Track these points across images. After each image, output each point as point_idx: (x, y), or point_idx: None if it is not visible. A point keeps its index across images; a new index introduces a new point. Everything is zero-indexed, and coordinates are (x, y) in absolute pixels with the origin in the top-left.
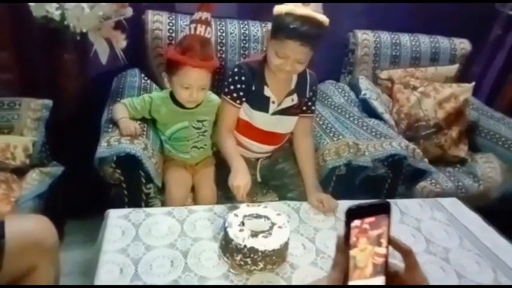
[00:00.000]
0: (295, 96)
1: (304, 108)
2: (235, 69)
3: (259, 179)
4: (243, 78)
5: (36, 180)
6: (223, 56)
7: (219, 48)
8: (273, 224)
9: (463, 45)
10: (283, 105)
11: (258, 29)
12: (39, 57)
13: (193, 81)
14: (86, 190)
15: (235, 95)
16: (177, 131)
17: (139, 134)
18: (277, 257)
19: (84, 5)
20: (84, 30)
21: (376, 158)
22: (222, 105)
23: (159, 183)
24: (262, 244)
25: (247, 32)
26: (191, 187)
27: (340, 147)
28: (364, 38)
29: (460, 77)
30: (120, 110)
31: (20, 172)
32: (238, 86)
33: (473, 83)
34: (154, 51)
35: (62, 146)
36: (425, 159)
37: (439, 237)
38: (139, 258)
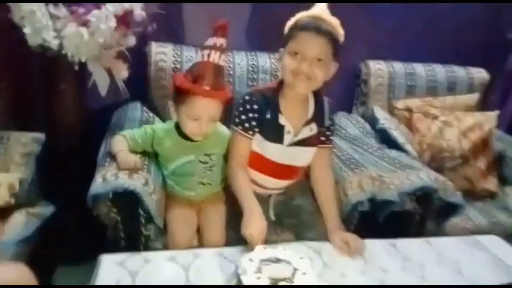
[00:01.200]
0: (313, 126)
1: (323, 138)
2: (247, 97)
3: (272, 217)
4: (255, 106)
5: (21, 223)
6: (231, 87)
7: (226, 79)
8: (295, 270)
9: (480, 74)
10: (301, 136)
11: (267, 60)
12: (34, 87)
13: (204, 112)
14: (79, 232)
15: (247, 125)
16: (181, 165)
17: (139, 168)
18: None
19: (84, 31)
20: (83, 60)
21: (403, 192)
22: (232, 137)
23: (161, 223)
24: None
25: (255, 63)
26: (197, 227)
27: (363, 179)
28: (378, 68)
29: (481, 107)
30: (119, 143)
31: (3, 213)
32: (251, 115)
33: (498, 112)
34: (157, 83)
35: (55, 184)
36: (458, 192)
37: (485, 280)
38: None
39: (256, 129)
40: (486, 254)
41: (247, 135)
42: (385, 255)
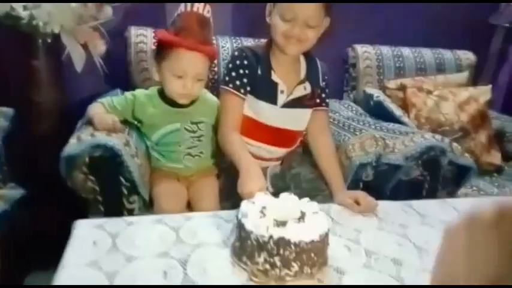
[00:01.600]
0: (307, 85)
1: (318, 100)
2: (236, 53)
3: (270, 190)
4: (245, 62)
5: None
6: (216, 69)
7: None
8: (303, 213)
9: (466, 55)
10: (295, 95)
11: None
12: (3, 63)
13: (188, 68)
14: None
15: (238, 82)
16: (166, 134)
17: (119, 129)
18: (317, 255)
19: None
20: (56, 31)
21: (409, 156)
22: (223, 99)
23: (146, 195)
24: (295, 233)
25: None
26: (187, 203)
27: (365, 141)
28: (365, 51)
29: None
30: (96, 108)
31: None
32: (241, 71)
33: (490, 85)
34: (138, 66)
35: (26, 165)
36: (466, 154)
37: None
38: (115, 272)
39: (248, 88)
40: None
41: (239, 94)
42: (401, 213)
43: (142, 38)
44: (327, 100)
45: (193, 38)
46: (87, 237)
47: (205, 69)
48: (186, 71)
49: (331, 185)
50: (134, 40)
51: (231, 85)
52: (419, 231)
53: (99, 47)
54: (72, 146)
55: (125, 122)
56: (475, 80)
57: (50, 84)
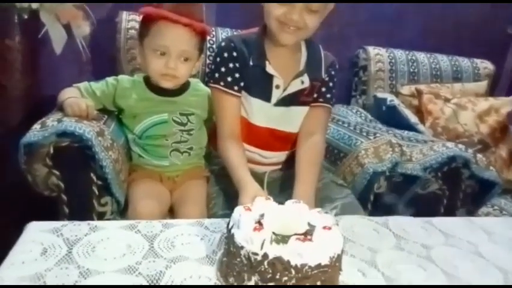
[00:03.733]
0: (305, 78)
1: (316, 95)
2: (223, 44)
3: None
4: (234, 53)
5: None
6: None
7: (208, 54)
8: (312, 226)
9: (485, 64)
10: (290, 90)
11: None
12: None
13: (171, 43)
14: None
15: (229, 79)
16: (151, 126)
17: (93, 118)
18: (325, 283)
19: None
20: (35, 7)
21: (428, 166)
22: (215, 99)
23: (121, 196)
24: (298, 253)
25: None
26: (169, 207)
27: (380, 146)
28: (377, 53)
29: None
30: (70, 92)
31: None
32: (231, 65)
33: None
34: (128, 54)
35: None
36: (492, 168)
37: None
38: None
39: (242, 83)
40: None
41: (233, 91)
42: (421, 231)
43: (134, 24)
44: (328, 96)
45: (177, 11)
46: (37, 243)
47: (191, 47)
48: (169, 47)
49: (297, 188)
50: (125, 25)
51: (222, 83)
52: (445, 253)
53: (83, 27)
54: (34, 132)
55: (103, 111)
56: (492, 90)
57: (21, 67)
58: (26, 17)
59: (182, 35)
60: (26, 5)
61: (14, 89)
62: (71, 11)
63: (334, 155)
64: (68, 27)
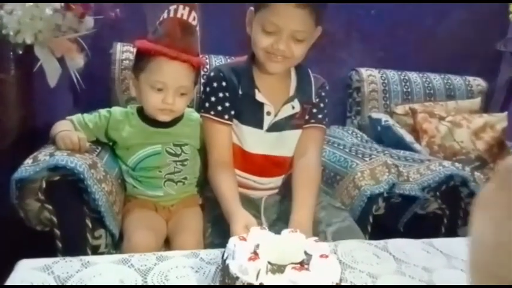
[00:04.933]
0: (296, 103)
1: (308, 117)
2: (212, 74)
3: (264, 224)
4: (223, 83)
5: None
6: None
7: (202, 81)
8: (308, 255)
9: (477, 82)
10: (281, 115)
11: None
12: None
13: (169, 79)
14: None
15: (219, 108)
16: (145, 158)
17: (86, 150)
18: None
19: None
20: (29, 42)
21: (426, 186)
22: (205, 128)
23: (116, 228)
24: (294, 283)
25: None
26: (165, 238)
27: (376, 168)
28: (370, 74)
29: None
30: (63, 125)
31: None
32: (221, 94)
33: (506, 112)
34: (122, 84)
35: None
36: None
37: None
38: None
39: (232, 112)
40: None
41: (223, 120)
42: (422, 253)
43: (128, 54)
44: (320, 116)
45: (175, 47)
46: (26, 283)
47: (188, 82)
48: (167, 83)
49: (293, 215)
50: (119, 57)
51: (212, 112)
52: (447, 276)
53: (77, 60)
54: (26, 167)
55: (97, 142)
56: (486, 106)
57: (16, 100)
58: (20, 52)
59: (180, 71)
60: (20, 40)
61: (8, 122)
62: (65, 44)
63: (331, 178)
64: (62, 60)
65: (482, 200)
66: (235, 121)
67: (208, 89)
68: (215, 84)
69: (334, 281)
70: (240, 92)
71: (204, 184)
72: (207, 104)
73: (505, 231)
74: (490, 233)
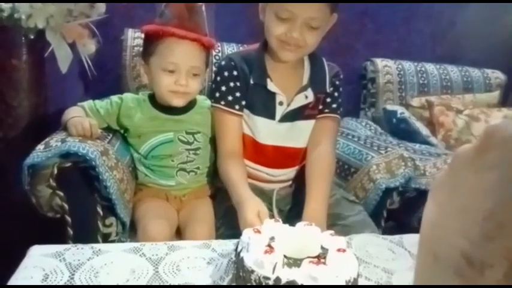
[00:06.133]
0: (309, 92)
1: (322, 106)
2: (223, 63)
3: (277, 216)
4: (234, 72)
5: None
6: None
7: (214, 69)
8: (324, 249)
9: (496, 75)
10: (294, 105)
11: None
12: None
13: (181, 59)
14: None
15: (230, 98)
16: (157, 146)
17: (97, 137)
18: None
19: None
20: (41, 26)
21: None
22: (216, 118)
23: (126, 216)
24: (312, 276)
25: None
26: (176, 228)
27: (391, 161)
28: (385, 65)
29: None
30: (74, 111)
31: None
32: (232, 84)
33: None
34: (134, 72)
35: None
36: None
37: None
38: None
39: (243, 102)
40: None
41: (234, 110)
42: None
43: (140, 41)
44: (334, 106)
45: (183, 27)
46: (38, 269)
47: (200, 62)
48: (179, 64)
49: (307, 208)
50: (131, 43)
51: (222, 102)
52: None
53: (89, 46)
54: (38, 153)
55: (108, 129)
56: (505, 100)
57: (28, 86)
58: (32, 37)
59: (191, 50)
60: (32, 24)
61: (20, 108)
62: (77, 30)
63: (345, 171)
64: (73, 46)
65: (435, 183)
66: (246, 111)
67: (219, 78)
68: (226, 74)
69: (352, 276)
70: (252, 82)
71: (215, 175)
72: (217, 94)
73: (444, 212)
74: (432, 211)
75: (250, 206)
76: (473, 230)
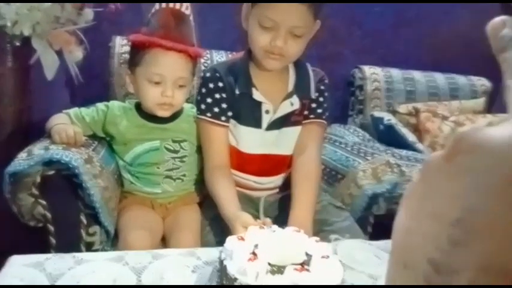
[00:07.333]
0: (294, 99)
1: (307, 112)
2: (208, 74)
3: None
4: (219, 84)
5: None
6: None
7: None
8: (309, 256)
9: (481, 82)
10: (280, 113)
11: None
12: None
13: (167, 71)
14: None
15: (216, 109)
16: (142, 154)
17: (82, 144)
18: None
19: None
20: (27, 33)
21: None
22: (202, 130)
23: (111, 225)
24: (295, 283)
25: None
26: (161, 236)
27: (378, 167)
28: (373, 72)
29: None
30: (59, 118)
31: None
32: (217, 95)
33: None
34: (121, 79)
35: None
36: None
37: None
38: None
39: (230, 113)
40: None
41: (220, 122)
42: None
43: (128, 48)
44: (319, 111)
45: (170, 37)
46: (17, 279)
47: (186, 73)
48: (164, 75)
49: (292, 213)
50: (118, 50)
51: (208, 114)
52: None
53: (76, 53)
54: (20, 161)
55: (94, 136)
56: (490, 107)
57: (13, 93)
58: (17, 44)
59: (177, 62)
60: (18, 32)
61: (4, 115)
62: (64, 37)
63: (332, 177)
64: (60, 53)
65: (406, 191)
66: (233, 122)
67: (204, 90)
68: (211, 85)
69: (335, 282)
70: (237, 92)
71: (203, 182)
72: (203, 106)
73: (414, 220)
74: (403, 219)
75: (241, 222)
76: (442, 237)
